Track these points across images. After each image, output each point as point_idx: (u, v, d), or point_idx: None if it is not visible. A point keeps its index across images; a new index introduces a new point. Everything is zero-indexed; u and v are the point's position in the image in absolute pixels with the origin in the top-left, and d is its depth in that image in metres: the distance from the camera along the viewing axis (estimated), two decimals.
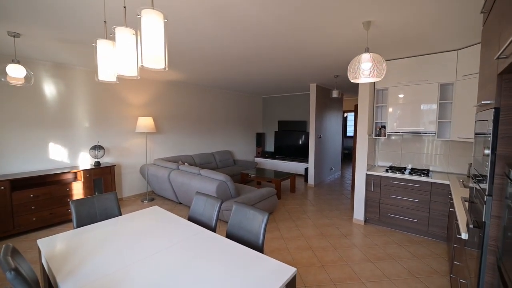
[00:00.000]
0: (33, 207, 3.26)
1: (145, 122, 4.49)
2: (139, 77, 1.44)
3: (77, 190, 3.66)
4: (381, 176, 3.42)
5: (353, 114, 10.98)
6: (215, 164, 5.93)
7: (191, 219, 2.19)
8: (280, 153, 7.41)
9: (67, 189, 3.55)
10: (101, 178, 3.93)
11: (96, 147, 4.04)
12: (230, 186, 3.55)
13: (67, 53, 3.21)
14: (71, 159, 3.98)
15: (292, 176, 5.15)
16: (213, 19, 2.18)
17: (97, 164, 4.01)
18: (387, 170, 3.47)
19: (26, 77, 2.65)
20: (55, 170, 3.65)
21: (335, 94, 4.73)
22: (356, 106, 5.21)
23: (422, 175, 3.16)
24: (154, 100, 5.06)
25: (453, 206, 2.25)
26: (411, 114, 3.36)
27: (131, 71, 1.39)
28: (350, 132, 11.43)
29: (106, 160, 4.38)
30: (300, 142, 6.97)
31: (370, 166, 3.75)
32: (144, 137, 4.90)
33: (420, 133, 3.32)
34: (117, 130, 4.52)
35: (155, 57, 1.19)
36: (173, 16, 2.10)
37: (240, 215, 1.83)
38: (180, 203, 4.45)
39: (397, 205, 3.33)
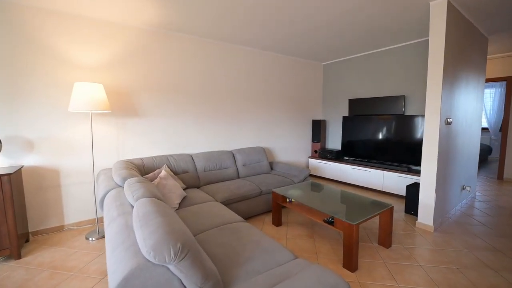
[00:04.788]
0: None
1: (88, 93, 2.38)
2: None
3: None
4: None
5: (498, 85, 6.86)
6: (235, 170, 3.47)
7: None
8: (351, 153, 4.42)
9: None
10: None
11: None
12: (184, 278, 1.01)
13: None
14: None
15: (387, 210, 2.25)
16: None
17: None
18: None
19: None
20: None
21: None
22: None
23: None
24: (125, 60, 2.94)
25: None
26: None
27: None
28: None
29: (30, 162, 2.49)
30: (391, 134, 3.84)
31: None
32: (112, 123, 2.86)
33: None
34: (48, 110, 2.57)
35: None
36: None
37: None
38: None
39: None
